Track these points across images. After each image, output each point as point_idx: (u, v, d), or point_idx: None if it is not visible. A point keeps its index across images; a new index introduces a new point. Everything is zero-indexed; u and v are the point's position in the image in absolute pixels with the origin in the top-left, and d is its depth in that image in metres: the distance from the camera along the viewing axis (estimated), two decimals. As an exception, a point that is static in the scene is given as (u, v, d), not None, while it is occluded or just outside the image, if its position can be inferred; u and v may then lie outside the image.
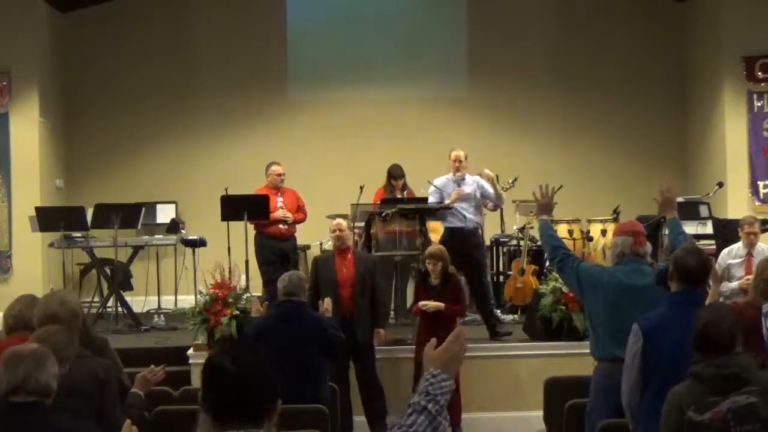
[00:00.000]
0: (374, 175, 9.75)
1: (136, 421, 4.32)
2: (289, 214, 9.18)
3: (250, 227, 9.08)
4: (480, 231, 8.71)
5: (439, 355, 2.41)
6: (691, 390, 3.59)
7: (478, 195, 8.59)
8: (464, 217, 8.44)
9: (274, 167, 9.37)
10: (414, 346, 7.45)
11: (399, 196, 9.37)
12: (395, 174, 9.49)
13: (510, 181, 9.48)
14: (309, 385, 5.87)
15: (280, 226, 9.17)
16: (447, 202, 8.51)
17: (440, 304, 7.13)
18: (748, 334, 4.54)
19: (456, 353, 2.41)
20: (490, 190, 8.60)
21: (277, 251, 9.14)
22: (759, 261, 5.74)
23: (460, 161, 8.64)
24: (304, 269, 10.18)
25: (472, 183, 8.60)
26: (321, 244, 10.35)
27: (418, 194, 9.38)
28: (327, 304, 6.54)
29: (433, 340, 2.46)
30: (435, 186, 8.75)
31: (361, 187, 9.14)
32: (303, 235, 9.65)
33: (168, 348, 8.03)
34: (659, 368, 4.13)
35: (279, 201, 9.24)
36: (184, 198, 11.44)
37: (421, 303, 7.20)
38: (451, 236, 8.45)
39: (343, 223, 7.47)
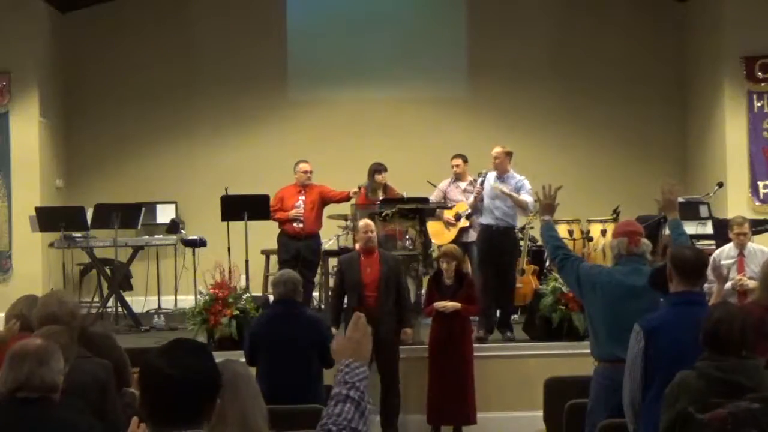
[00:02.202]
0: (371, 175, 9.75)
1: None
2: (300, 215, 9.17)
3: (254, 227, 9.07)
4: (513, 232, 8.56)
5: (345, 345, 2.47)
6: (697, 384, 3.59)
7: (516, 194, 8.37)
8: (494, 215, 8.37)
9: (300, 165, 9.41)
10: (426, 347, 7.42)
11: (380, 193, 9.33)
12: (380, 169, 9.45)
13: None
14: (305, 385, 5.87)
15: (295, 225, 9.19)
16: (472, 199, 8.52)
17: (457, 304, 7.12)
18: (755, 334, 4.55)
19: (360, 339, 2.47)
20: (519, 196, 8.32)
21: (292, 250, 9.16)
22: (765, 261, 5.74)
23: (496, 158, 8.51)
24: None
25: (512, 182, 8.41)
26: (321, 244, 10.34)
27: (417, 194, 9.38)
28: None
29: (338, 337, 2.52)
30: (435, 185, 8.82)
31: (359, 188, 9.14)
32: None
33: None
34: (661, 368, 4.12)
35: (300, 199, 9.25)
36: (184, 198, 11.44)
37: (438, 304, 7.15)
38: (483, 233, 8.46)
39: (371, 223, 7.46)
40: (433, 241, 9.19)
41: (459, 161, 9.57)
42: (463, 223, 9.32)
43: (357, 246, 7.68)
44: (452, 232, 9.39)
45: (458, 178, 9.56)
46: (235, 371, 3.05)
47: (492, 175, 8.56)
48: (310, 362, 6.01)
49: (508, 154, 8.57)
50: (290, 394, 5.63)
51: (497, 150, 8.55)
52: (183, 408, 2.29)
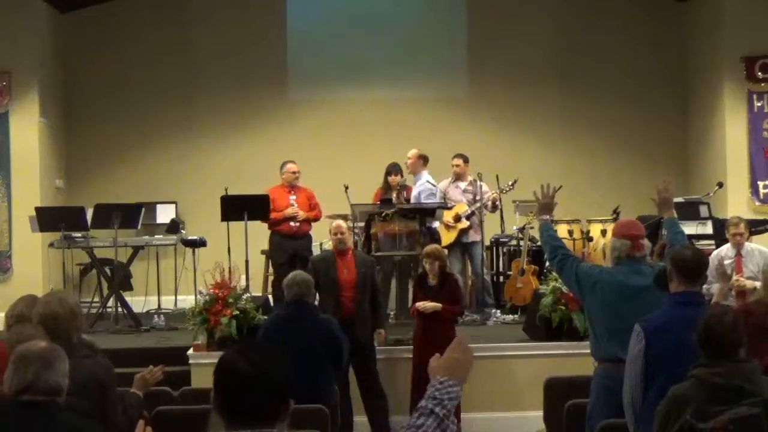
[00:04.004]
0: (374, 176, 9.76)
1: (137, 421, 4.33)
2: (300, 212, 9.19)
3: (253, 227, 9.08)
4: None
5: (443, 363, 2.47)
6: (693, 394, 3.58)
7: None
8: None
9: (288, 165, 9.41)
10: (412, 347, 7.43)
11: (395, 193, 9.38)
12: (390, 170, 9.52)
13: (509, 183, 9.50)
14: (317, 386, 5.87)
15: (291, 223, 9.19)
16: None
17: (438, 305, 7.09)
18: (757, 332, 4.56)
19: (458, 359, 2.47)
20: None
21: (288, 249, 9.17)
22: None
23: (408, 159, 9.22)
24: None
25: (417, 184, 9.15)
26: (321, 244, 10.34)
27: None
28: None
29: (437, 354, 2.51)
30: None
31: (346, 187, 9.14)
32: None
33: (168, 348, 8.02)
34: (661, 369, 4.12)
35: (292, 198, 9.26)
36: (184, 198, 11.44)
37: (419, 304, 7.16)
38: None
39: (343, 224, 7.45)
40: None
41: (459, 161, 9.57)
42: (463, 224, 9.33)
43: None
44: (452, 234, 9.40)
45: (458, 178, 9.57)
46: None
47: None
48: (322, 363, 6.01)
49: (421, 158, 9.14)
50: (301, 395, 5.62)
51: (411, 152, 9.18)
52: (258, 407, 2.31)
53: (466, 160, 9.60)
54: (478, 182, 9.45)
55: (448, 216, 9.36)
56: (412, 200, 8.98)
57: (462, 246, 9.41)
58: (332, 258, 7.34)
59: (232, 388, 2.33)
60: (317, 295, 7.21)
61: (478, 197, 9.37)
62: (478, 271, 9.40)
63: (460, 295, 7.53)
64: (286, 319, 6.18)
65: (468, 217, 9.30)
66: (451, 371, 2.45)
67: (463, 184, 9.53)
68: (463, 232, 9.33)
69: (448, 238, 9.32)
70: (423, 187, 9.06)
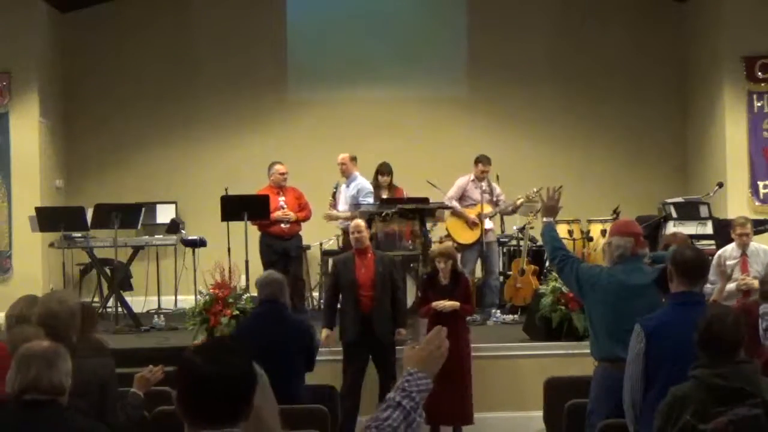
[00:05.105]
0: (373, 175, 9.75)
1: (136, 421, 4.34)
2: (290, 213, 9.18)
3: (252, 227, 9.08)
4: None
5: (416, 354, 2.45)
6: (694, 395, 3.58)
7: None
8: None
9: (276, 166, 9.39)
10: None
11: (384, 193, 9.36)
12: (381, 170, 9.51)
13: (534, 190, 9.35)
14: (289, 385, 5.86)
15: (282, 225, 9.17)
16: None
17: (456, 304, 7.07)
18: (755, 331, 4.56)
19: (432, 352, 2.44)
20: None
21: (279, 250, 9.15)
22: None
23: (342, 164, 9.35)
24: (305, 269, 10.18)
25: (352, 184, 9.27)
26: (321, 244, 10.36)
27: (418, 194, 9.38)
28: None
29: (414, 343, 2.47)
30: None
31: (336, 187, 9.18)
32: (303, 235, 9.64)
33: (168, 348, 8.00)
34: (662, 368, 4.12)
35: (281, 200, 9.24)
36: (184, 198, 11.44)
37: (437, 304, 7.13)
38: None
39: (362, 223, 7.42)
40: (457, 240, 9.21)
41: (488, 167, 9.49)
42: (485, 224, 9.33)
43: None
44: (476, 232, 9.32)
45: (480, 179, 9.53)
46: None
47: (343, 186, 9.32)
48: (295, 363, 6.02)
49: (353, 159, 9.33)
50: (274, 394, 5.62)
51: (342, 156, 9.31)
52: (219, 406, 2.28)
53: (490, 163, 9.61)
54: (493, 183, 9.49)
55: (473, 214, 9.32)
56: (350, 200, 8.99)
57: (480, 246, 9.34)
58: (351, 257, 7.34)
59: (191, 388, 2.29)
60: (340, 294, 7.25)
61: (494, 198, 9.42)
62: (495, 270, 9.42)
63: (471, 294, 7.52)
64: (259, 318, 6.19)
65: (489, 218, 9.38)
66: (424, 363, 2.42)
67: (483, 185, 9.52)
68: (487, 232, 9.35)
69: (471, 236, 9.28)
70: (361, 186, 9.09)
